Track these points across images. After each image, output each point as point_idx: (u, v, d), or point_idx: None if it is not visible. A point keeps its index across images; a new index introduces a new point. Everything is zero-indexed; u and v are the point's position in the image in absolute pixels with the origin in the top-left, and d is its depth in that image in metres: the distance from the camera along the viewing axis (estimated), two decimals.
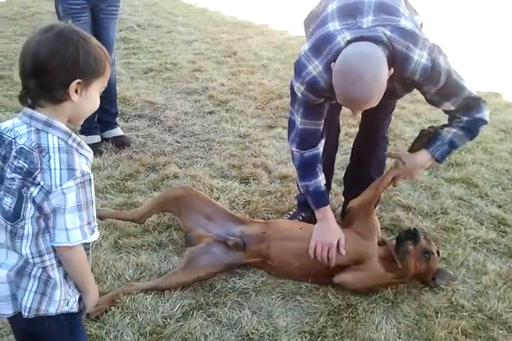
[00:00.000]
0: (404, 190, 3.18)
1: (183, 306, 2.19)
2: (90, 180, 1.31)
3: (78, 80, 1.28)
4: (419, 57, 1.95)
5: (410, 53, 1.94)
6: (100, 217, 2.61)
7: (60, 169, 1.26)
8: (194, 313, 2.16)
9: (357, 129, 2.90)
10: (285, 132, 3.86)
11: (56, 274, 1.37)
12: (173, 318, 2.12)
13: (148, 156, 3.41)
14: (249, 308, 2.22)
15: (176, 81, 4.83)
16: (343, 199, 2.91)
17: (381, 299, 2.31)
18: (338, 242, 2.32)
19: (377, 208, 2.95)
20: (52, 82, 1.27)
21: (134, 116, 4.03)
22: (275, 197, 3.05)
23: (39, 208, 1.29)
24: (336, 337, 2.09)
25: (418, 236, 2.33)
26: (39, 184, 1.26)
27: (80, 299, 1.47)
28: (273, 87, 4.74)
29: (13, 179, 1.29)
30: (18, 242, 1.33)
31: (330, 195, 3.03)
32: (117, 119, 3.71)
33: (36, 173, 1.26)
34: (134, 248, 2.52)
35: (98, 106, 1.41)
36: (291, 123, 2.32)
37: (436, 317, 2.23)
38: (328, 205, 2.39)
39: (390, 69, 1.91)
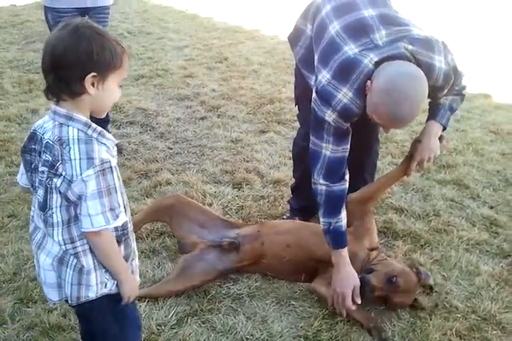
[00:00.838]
0: (397, 193, 3.19)
1: (177, 313, 2.19)
2: (111, 167, 1.36)
3: (93, 74, 1.33)
4: (439, 63, 1.99)
5: (433, 62, 1.97)
6: None
7: (80, 159, 1.32)
8: (188, 320, 2.16)
9: None
10: (277, 136, 3.93)
11: (89, 259, 1.44)
12: (168, 325, 2.12)
13: (141, 163, 3.41)
14: (243, 314, 2.22)
15: (167, 87, 4.84)
16: None
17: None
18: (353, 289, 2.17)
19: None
20: (69, 76, 1.33)
21: (126, 123, 4.03)
22: (268, 201, 3.06)
23: (66, 197, 1.36)
24: None
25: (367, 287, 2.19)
26: (61, 175, 1.34)
27: None
28: (264, 92, 4.75)
29: (42, 172, 1.38)
30: (50, 230, 1.43)
31: None
32: (109, 126, 3.70)
33: (58, 165, 1.34)
34: None
35: (118, 98, 1.46)
36: (317, 155, 2.17)
37: (431, 319, 2.23)
38: (346, 248, 2.21)
39: None
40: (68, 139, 1.33)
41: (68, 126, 1.35)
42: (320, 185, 2.17)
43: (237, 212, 2.93)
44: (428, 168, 2.46)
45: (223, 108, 4.40)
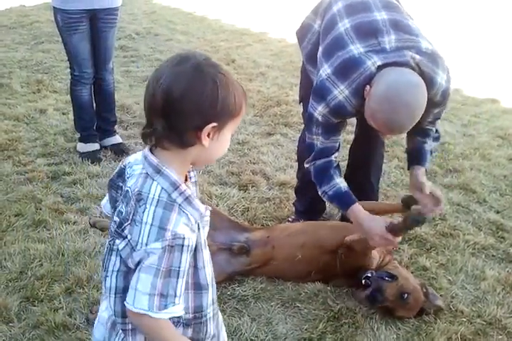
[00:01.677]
0: None
1: None
2: (183, 246, 1.10)
3: (214, 124, 1.10)
4: (441, 79, 2.00)
5: (436, 76, 1.98)
6: (93, 224, 2.62)
7: (151, 225, 1.09)
8: None
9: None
10: (283, 139, 3.94)
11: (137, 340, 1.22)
12: None
13: None
14: (248, 315, 2.22)
15: None
16: None
17: None
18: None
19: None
20: (184, 125, 1.10)
21: (133, 123, 4.04)
22: (274, 203, 3.06)
23: (125, 263, 1.15)
24: None
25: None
26: (126, 237, 1.12)
27: None
28: (271, 95, 4.76)
29: (115, 222, 1.17)
30: (106, 294, 1.23)
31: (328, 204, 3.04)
32: (116, 127, 3.73)
33: (126, 224, 1.12)
34: None
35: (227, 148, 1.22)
36: (311, 147, 2.22)
37: (436, 323, 2.23)
38: (357, 203, 2.14)
39: None
40: (147, 197, 1.10)
41: (153, 180, 1.12)
42: (308, 166, 2.25)
43: (242, 214, 2.94)
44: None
45: None
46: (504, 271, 2.59)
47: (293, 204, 2.96)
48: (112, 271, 1.19)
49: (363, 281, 2.23)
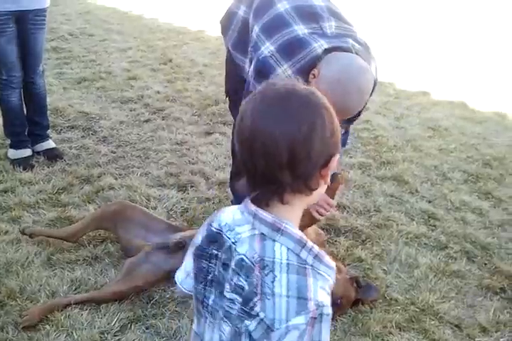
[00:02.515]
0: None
1: (120, 319, 2.16)
2: (326, 315, 0.93)
3: (337, 155, 0.99)
4: (373, 69, 2.05)
5: (370, 66, 2.02)
6: (30, 235, 2.55)
7: (288, 296, 0.91)
8: (132, 326, 2.14)
9: None
10: (222, 138, 3.94)
11: None
12: (111, 333, 2.10)
13: (82, 168, 3.34)
14: (188, 317, 2.21)
15: (110, 90, 4.76)
16: None
17: None
18: None
19: None
20: (313, 167, 0.95)
21: (67, 127, 3.94)
22: (213, 203, 3.06)
23: None
24: None
25: None
26: (258, 315, 0.92)
27: None
28: (209, 93, 4.75)
29: (232, 301, 0.97)
30: None
31: None
32: (49, 131, 3.63)
33: (255, 300, 0.93)
34: (68, 263, 2.47)
35: None
36: None
37: (371, 313, 2.29)
38: None
39: None
40: (273, 263, 0.93)
41: (274, 241, 0.95)
42: None
43: (181, 215, 2.92)
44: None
45: (168, 110, 4.37)
46: (436, 259, 2.69)
47: (231, 202, 2.98)
48: None
49: None
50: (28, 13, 3.15)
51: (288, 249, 0.94)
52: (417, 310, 2.34)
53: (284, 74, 2.01)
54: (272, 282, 0.92)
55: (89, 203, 2.96)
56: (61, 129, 3.91)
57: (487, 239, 2.89)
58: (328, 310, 0.93)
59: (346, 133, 2.45)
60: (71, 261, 2.48)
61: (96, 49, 6.05)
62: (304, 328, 0.90)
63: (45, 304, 2.17)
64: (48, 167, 3.34)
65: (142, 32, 7.03)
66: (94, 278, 2.39)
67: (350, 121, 2.25)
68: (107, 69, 5.31)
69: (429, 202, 3.22)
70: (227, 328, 0.99)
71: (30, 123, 3.50)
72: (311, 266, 0.94)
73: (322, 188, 1.00)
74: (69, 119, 4.06)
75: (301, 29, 2.02)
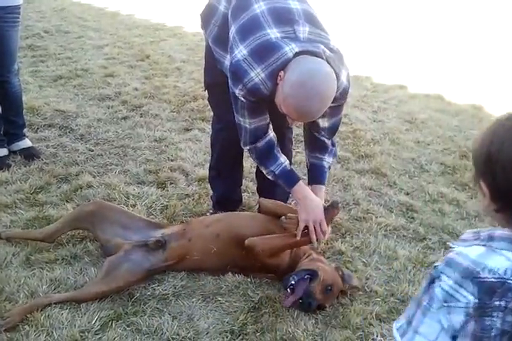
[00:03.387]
0: None
1: (101, 318, 2.14)
2: None
3: None
4: (343, 77, 2.10)
5: (340, 73, 2.06)
6: (7, 239, 2.53)
7: None
8: (113, 324, 2.13)
9: None
10: (201, 134, 3.93)
11: None
12: (91, 331, 2.08)
13: (60, 167, 3.31)
14: (169, 314, 2.21)
15: (87, 87, 4.72)
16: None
17: None
18: None
19: (293, 202, 3.02)
20: None
21: (44, 126, 3.90)
22: (193, 199, 3.05)
23: None
24: (257, 334, 2.12)
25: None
26: None
27: None
28: (188, 90, 4.73)
29: None
30: None
31: (247, 194, 3.09)
32: (25, 130, 3.58)
33: None
34: (47, 263, 2.44)
35: None
36: (240, 127, 2.27)
37: (352, 305, 2.31)
38: (301, 180, 2.31)
39: None
40: None
41: None
42: (248, 147, 2.31)
43: (161, 212, 2.91)
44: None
45: (146, 107, 4.34)
46: (414, 250, 2.72)
47: (210, 197, 2.98)
48: None
49: (288, 290, 2.24)
50: (0, 11, 3.10)
51: None
52: (397, 301, 2.36)
53: (257, 77, 2.03)
54: None
55: (68, 202, 2.93)
56: (37, 128, 3.86)
57: (464, 230, 2.91)
58: None
59: (335, 154, 2.51)
60: (50, 260, 2.46)
61: (72, 46, 6.00)
62: None
63: (26, 304, 2.15)
64: (25, 166, 3.30)
65: (118, 28, 6.98)
66: (74, 277, 2.37)
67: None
68: (83, 66, 5.26)
69: (407, 194, 3.26)
70: None
71: (5, 122, 3.45)
72: None
73: None
74: (45, 118, 4.02)
75: (273, 33, 2.04)
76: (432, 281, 1.04)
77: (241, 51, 2.06)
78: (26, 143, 3.51)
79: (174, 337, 2.09)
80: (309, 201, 2.27)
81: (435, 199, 3.24)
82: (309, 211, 2.25)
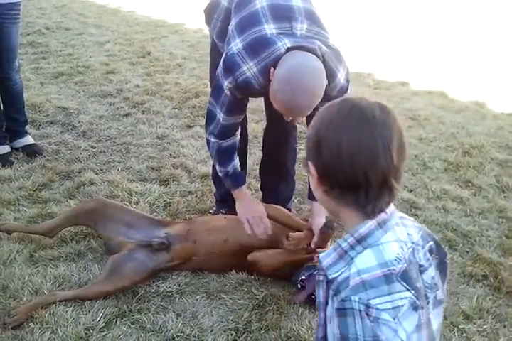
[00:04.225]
0: None
1: (105, 315, 2.14)
2: None
3: None
4: (341, 76, 2.08)
5: (336, 71, 2.05)
6: (7, 231, 2.52)
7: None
8: (117, 322, 2.13)
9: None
10: (203, 131, 3.84)
11: None
12: (96, 329, 2.08)
13: (62, 164, 3.30)
14: (173, 311, 2.20)
15: (88, 84, 4.70)
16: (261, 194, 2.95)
17: None
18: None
19: (296, 200, 3.02)
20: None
21: (46, 122, 3.89)
22: (196, 196, 3.05)
23: None
24: (261, 331, 2.12)
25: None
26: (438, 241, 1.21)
27: None
28: (189, 86, 4.72)
29: (432, 266, 1.15)
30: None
31: (250, 191, 3.08)
32: (27, 127, 3.57)
33: (432, 234, 1.20)
34: (51, 260, 2.44)
35: None
36: (212, 115, 2.27)
37: None
38: (244, 185, 2.43)
39: None
40: (434, 237, 1.21)
41: (417, 226, 1.20)
42: (211, 141, 2.32)
43: (164, 209, 2.91)
44: None
45: (148, 104, 4.33)
46: None
47: (213, 195, 2.97)
48: None
49: (299, 285, 2.25)
50: (0, 7, 3.09)
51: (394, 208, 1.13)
52: None
53: (250, 71, 2.03)
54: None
55: (71, 199, 2.93)
56: (40, 125, 3.85)
57: (468, 227, 2.93)
58: None
59: None
60: (54, 257, 2.46)
61: (73, 43, 5.98)
62: None
63: (31, 302, 2.14)
64: (28, 163, 3.30)
65: (120, 25, 6.96)
66: (78, 274, 2.37)
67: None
68: (84, 63, 5.24)
69: (411, 191, 3.25)
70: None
71: (7, 119, 3.45)
72: None
73: None
74: (47, 115, 4.01)
75: (270, 28, 2.03)
76: (365, 318, 0.98)
77: (236, 44, 2.07)
78: (28, 140, 3.50)
79: (178, 334, 2.08)
80: (246, 200, 2.40)
81: (438, 196, 3.23)
82: (245, 208, 2.34)
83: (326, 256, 1.12)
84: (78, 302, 2.20)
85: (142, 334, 2.07)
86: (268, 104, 2.47)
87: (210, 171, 3.24)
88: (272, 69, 1.96)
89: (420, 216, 2.99)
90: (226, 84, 2.10)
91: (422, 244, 1.13)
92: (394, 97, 4.77)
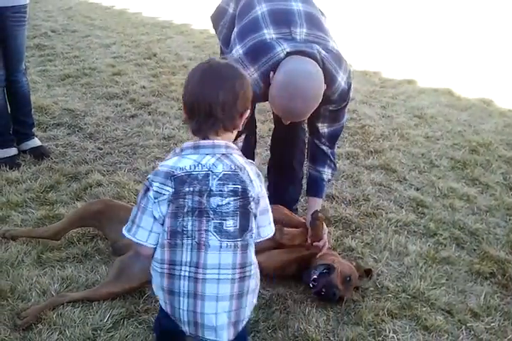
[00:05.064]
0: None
1: (113, 316, 2.15)
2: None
3: None
4: (341, 79, 2.08)
5: (337, 75, 2.06)
6: (12, 238, 2.53)
7: (257, 177, 1.51)
8: (125, 322, 2.13)
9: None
10: None
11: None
12: (104, 329, 2.09)
13: (69, 166, 3.32)
14: None
15: (95, 86, 4.72)
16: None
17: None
18: None
19: (302, 199, 3.01)
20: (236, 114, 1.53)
21: (52, 125, 3.91)
22: None
23: (255, 216, 1.50)
24: (269, 331, 2.12)
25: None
26: (251, 196, 1.46)
27: None
28: None
29: (228, 203, 1.45)
30: (249, 252, 1.51)
31: None
32: (34, 130, 3.59)
33: (249, 188, 1.46)
34: (58, 261, 2.45)
35: None
36: None
37: (364, 301, 2.30)
38: None
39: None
40: (242, 165, 1.47)
41: (232, 154, 1.48)
42: None
43: None
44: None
45: (154, 105, 4.35)
46: (425, 246, 2.71)
47: None
48: (254, 227, 1.53)
49: (311, 284, 2.26)
50: (6, 10, 3.11)
51: (239, 155, 1.51)
52: (409, 297, 2.35)
53: (251, 77, 2.03)
54: (248, 174, 1.48)
55: (78, 200, 2.94)
56: (46, 127, 3.88)
57: (475, 225, 2.92)
58: None
59: (335, 167, 2.51)
60: (61, 259, 2.47)
61: (79, 45, 6.01)
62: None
63: (41, 304, 2.15)
64: (35, 165, 3.32)
65: (125, 27, 6.99)
66: (85, 275, 2.38)
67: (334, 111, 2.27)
68: (91, 65, 5.27)
69: (417, 189, 3.24)
70: (230, 222, 1.46)
71: (14, 121, 3.47)
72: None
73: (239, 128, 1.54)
74: (54, 117, 4.03)
75: (269, 33, 2.04)
76: (147, 189, 1.46)
77: (237, 51, 2.09)
78: (35, 142, 3.52)
79: None
80: None
81: (445, 194, 3.22)
82: None
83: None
84: (86, 303, 2.20)
85: (150, 335, 2.07)
86: None
87: None
88: (271, 73, 1.97)
89: (427, 214, 2.98)
90: None
91: (221, 177, 1.44)
92: (400, 95, 4.75)
